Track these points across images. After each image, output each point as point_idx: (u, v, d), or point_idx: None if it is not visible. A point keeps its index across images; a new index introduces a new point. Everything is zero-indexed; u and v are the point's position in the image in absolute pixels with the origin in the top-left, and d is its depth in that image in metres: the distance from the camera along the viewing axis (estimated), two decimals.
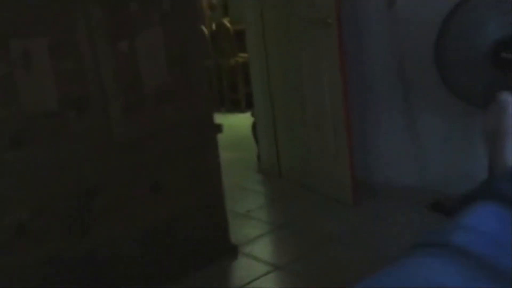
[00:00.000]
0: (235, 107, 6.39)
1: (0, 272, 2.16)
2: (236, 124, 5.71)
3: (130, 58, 2.45)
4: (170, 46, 2.57)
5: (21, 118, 2.18)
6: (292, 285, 2.71)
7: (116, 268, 2.47)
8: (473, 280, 0.42)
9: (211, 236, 2.82)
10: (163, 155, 2.60)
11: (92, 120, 2.37)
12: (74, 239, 2.35)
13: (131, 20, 2.45)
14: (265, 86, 4.05)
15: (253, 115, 4.40)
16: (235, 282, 2.77)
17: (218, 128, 2.80)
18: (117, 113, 2.43)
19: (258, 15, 3.95)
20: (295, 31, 3.59)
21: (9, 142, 2.16)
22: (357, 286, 0.43)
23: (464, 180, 2.85)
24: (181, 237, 2.69)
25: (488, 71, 2.44)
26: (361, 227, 3.13)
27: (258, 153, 4.36)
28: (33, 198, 2.25)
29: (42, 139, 2.24)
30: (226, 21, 6.51)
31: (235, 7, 6.42)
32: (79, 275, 2.36)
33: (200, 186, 2.74)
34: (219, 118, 5.57)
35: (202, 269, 2.74)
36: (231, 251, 2.90)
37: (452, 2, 2.65)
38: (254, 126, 4.42)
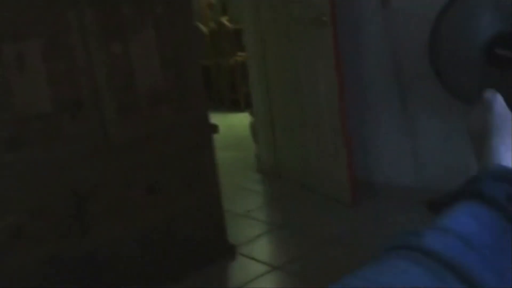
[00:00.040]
0: (235, 106, 6.38)
1: (0, 272, 2.16)
2: (235, 123, 5.71)
3: (124, 60, 2.45)
4: (164, 48, 2.57)
5: (15, 121, 2.18)
6: (290, 286, 2.70)
7: (115, 269, 2.47)
8: (439, 282, 0.42)
9: (209, 237, 2.81)
10: (159, 156, 2.60)
11: (87, 122, 2.36)
12: (72, 240, 2.35)
13: (124, 22, 2.44)
14: (263, 86, 4.04)
15: (251, 114, 4.39)
16: (233, 282, 2.76)
17: (214, 128, 2.79)
18: (112, 114, 2.43)
19: (255, 15, 3.95)
20: (292, 31, 3.58)
21: (5, 145, 2.16)
22: None
23: (463, 179, 2.83)
24: (179, 238, 2.69)
25: (482, 68, 2.42)
26: (360, 227, 3.12)
27: (257, 153, 4.35)
28: (31, 200, 2.25)
29: (37, 141, 2.24)
30: (225, 20, 6.50)
31: (234, 6, 6.41)
32: (78, 276, 2.36)
33: (197, 187, 2.74)
34: (219, 118, 5.59)
35: (200, 269, 2.73)
36: (230, 252, 2.90)
37: (446, 1, 2.64)
38: (252, 126, 4.41)
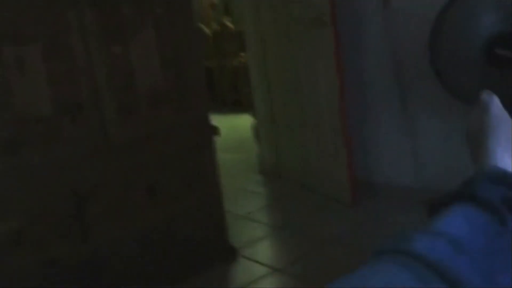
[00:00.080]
0: (237, 107, 6.39)
1: (1, 273, 2.16)
2: (237, 125, 5.72)
3: (124, 61, 2.45)
4: (164, 48, 2.57)
5: (15, 122, 2.18)
6: (292, 287, 2.69)
7: (115, 269, 2.47)
8: (427, 286, 0.42)
9: (210, 238, 2.81)
10: (159, 157, 2.60)
11: (87, 123, 2.36)
12: (72, 241, 2.35)
13: (124, 23, 2.44)
14: (264, 86, 4.04)
15: (253, 115, 4.39)
16: (234, 284, 2.76)
17: (215, 130, 2.79)
18: (112, 115, 2.43)
19: (256, 15, 3.95)
20: (292, 31, 3.58)
21: (4, 147, 2.16)
22: None
23: (463, 179, 2.82)
24: (180, 239, 2.68)
25: (482, 68, 2.41)
26: (360, 227, 3.11)
27: (259, 154, 4.35)
28: (31, 201, 2.25)
29: (37, 142, 2.24)
30: (227, 21, 6.50)
31: (236, 7, 6.41)
32: (78, 277, 2.36)
33: (197, 187, 2.74)
34: (221, 119, 5.59)
35: (201, 271, 2.73)
36: (230, 253, 2.90)
37: (446, 0, 2.63)
38: (254, 127, 4.41)
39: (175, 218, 2.67)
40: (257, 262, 2.88)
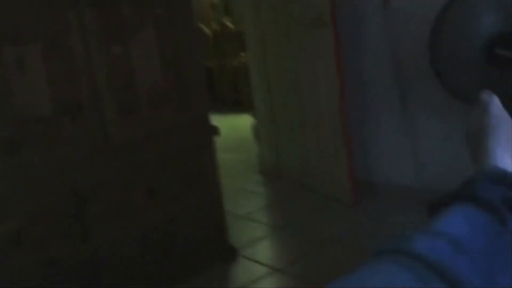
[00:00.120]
0: (238, 107, 6.39)
1: (1, 273, 2.16)
2: (238, 125, 5.72)
3: (124, 61, 2.45)
4: (164, 48, 2.57)
5: (15, 122, 2.18)
6: (292, 287, 2.69)
7: (115, 270, 2.47)
8: (427, 286, 0.42)
9: (210, 238, 2.81)
10: (159, 157, 2.60)
11: (87, 123, 2.36)
12: (72, 242, 2.35)
13: (124, 23, 2.44)
14: (264, 86, 4.04)
15: (253, 115, 4.40)
16: (234, 284, 2.76)
17: (214, 130, 2.79)
18: (112, 115, 2.43)
19: (256, 15, 3.95)
20: (292, 31, 3.58)
21: (4, 147, 2.16)
22: None
23: (463, 179, 2.82)
24: (180, 239, 2.68)
25: (482, 68, 2.41)
26: (361, 228, 3.11)
27: (259, 154, 4.35)
28: (30, 202, 2.24)
29: (37, 142, 2.24)
30: (227, 21, 6.51)
31: (236, 7, 6.41)
32: (78, 277, 2.36)
33: (197, 188, 2.74)
34: (221, 119, 5.59)
35: (201, 271, 2.73)
36: (230, 253, 2.90)
37: (447, 1, 2.63)
38: (254, 127, 4.41)
39: (175, 218, 2.67)
40: (257, 262, 2.88)
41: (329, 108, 3.33)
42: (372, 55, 3.43)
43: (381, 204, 3.36)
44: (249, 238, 3.15)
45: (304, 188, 3.73)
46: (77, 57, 2.32)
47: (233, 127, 5.71)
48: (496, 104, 0.76)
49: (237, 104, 6.46)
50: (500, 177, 0.58)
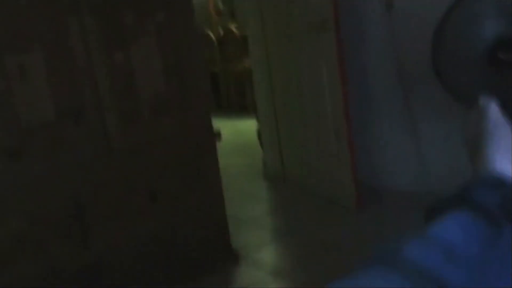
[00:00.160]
0: (243, 112, 6.39)
1: (2, 278, 2.17)
2: (243, 129, 5.72)
3: (126, 67, 2.46)
4: (166, 55, 2.57)
5: (17, 129, 2.19)
6: None
7: (116, 275, 2.47)
8: None
9: (212, 243, 2.81)
10: (161, 163, 2.60)
11: (89, 130, 2.37)
12: (74, 247, 2.36)
13: (126, 30, 2.45)
14: (268, 92, 4.04)
15: (258, 120, 4.40)
16: None
17: (217, 135, 2.79)
18: (114, 121, 2.43)
19: (259, 21, 3.95)
20: (295, 36, 3.58)
21: (7, 154, 2.17)
22: None
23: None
24: (182, 244, 2.68)
25: (485, 72, 2.40)
26: (365, 233, 3.10)
27: (264, 158, 4.35)
28: (32, 207, 2.26)
29: (39, 149, 2.25)
30: (233, 27, 6.52)
31: (242, 13, 6.43)
32: (79, 283, 2.36)
33: (199, 194, 2.73)
34: (227, 124, 5.59)
35: (203, 275, 2.73)
36: (233, 259, 2.89)
37: (450, 3, 2.62)
38: (259, 132, 4.41)
39: (176, 222, 2.67)
40: (260, 267, 2.87)
41: (332, 112, 3.32)
42: (375, 59, 3.42)
43: (386, 209, 3.34)
44: (252, 243, 3.14)
45: (308, 192, 3.72)
46: (79, 63, 2.33)
47: (239, 131, 5.72)
48: (494, 109, 0.76)
49: (242, 108, 6.46)
50: (497, 183, 0.58)
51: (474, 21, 2.44)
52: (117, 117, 2.44)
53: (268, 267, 2.89)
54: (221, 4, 7.31)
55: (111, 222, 2.45)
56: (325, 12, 3.19)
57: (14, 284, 2.19)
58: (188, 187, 2.70)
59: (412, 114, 3.31)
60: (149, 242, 2.57)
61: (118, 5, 2.42)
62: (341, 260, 2.82)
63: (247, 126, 5.63)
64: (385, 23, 3.30)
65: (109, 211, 2.44)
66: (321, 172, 3.58)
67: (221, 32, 6.81)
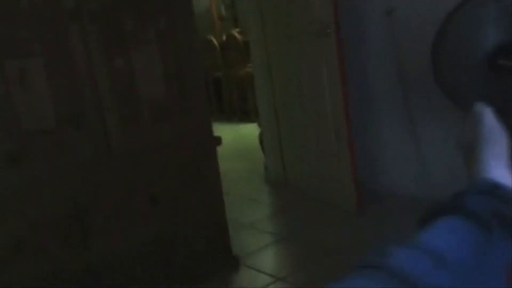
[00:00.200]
0: (246, 117, 6.40)
1: (2, 282, 2.17)
2: (245, 134, 5.73)
3: (126, 74, 2.47)
4: (166, 61, 2.58)
5: (18, 135, 2.20)
6: None
7: (116, 279, 2.47)
8: None
9: (212, 247, 2.81)
10: (161, 168, 2.60)
11: (90, 135, 2.37)
12: (74, 253, 2.36)
13: (127, 37, 2.46)
14: (270, 97, 4.05)
15: (259, 125, 4.40)
16: None
17: (217, 140, 2.79)
18: (114, 127, 2.44)
19: (261, 26, 3.96)
20: (296, 38, 3.59)
21: (8, 160, 2.17)
22: None
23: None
24: (182, 249, 2.68)
25: (484, 77, 2.40)
26: (365, 237, 3.09)
27: (265, 163, 4.35)
28: (33, 211, 2.26)
29: (40, 154, 2.26)
30: (235, 32, 6.53)
31: (245, 18, 6.45)
32: (80, 285, 2.36)
33: (200, 199, 2.74)
34: (229, 129, 5.59)
35: (204, 280, 2.73)
36: (233, 263, 2.89)
37: (450, 4, 2.63)
38: (261, 137, 4.41)
39: (177, 227, 2.67)
40: (260, 271, 2.87)
41: (332, 112, 3.33)
42: (375, 59, 3.43)
43: (387, 212, 3.33)
44: (253, 247, 3.14)
45: (309, 197, 3.72)
46: (80, 69, 2.33)
47: (241, 136, 5.72)
48: (489, 115, 0.76)
49: (245, 113, 6.47)
50: (491, 189, 0.58)
51: (477, 24, 2.45)
52: (117, 121, 2.45)
53: (268, 270, 2.90)
54: (223, 10, 7.33)
55: (111, 224, 2.45)
56: (325, 13, 3.20)
57: (14, 284, 2.19)
58: (188, 190, 2.70)
59: (412, 115, 3.31)
60: (149, 245, 2.58)
61: (119, 11, 2.43)
62: (341, 263, 2.82)
63: (249, 131, 5.64)
64: (385, 23, 3.30)
65: (109, 213, 2.45)
66: (321, 173, 3.58)
67: (224, 38, 6.82)
